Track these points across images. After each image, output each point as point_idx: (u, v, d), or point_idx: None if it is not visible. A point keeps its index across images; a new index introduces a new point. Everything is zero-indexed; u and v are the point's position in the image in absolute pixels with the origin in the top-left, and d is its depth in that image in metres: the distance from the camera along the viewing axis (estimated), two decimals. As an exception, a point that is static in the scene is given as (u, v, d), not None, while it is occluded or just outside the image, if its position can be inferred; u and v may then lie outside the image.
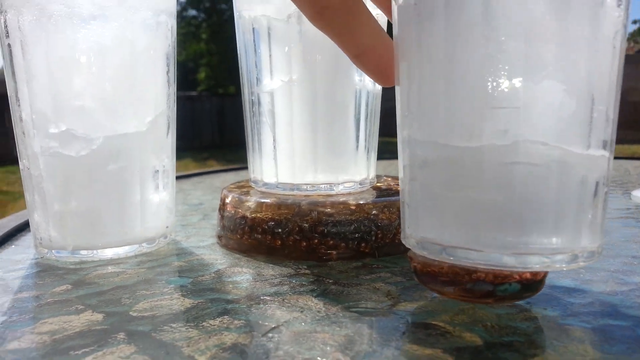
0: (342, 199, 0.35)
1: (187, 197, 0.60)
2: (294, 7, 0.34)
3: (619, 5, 0.22)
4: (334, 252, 0.33)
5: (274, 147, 0.36)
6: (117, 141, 0.34)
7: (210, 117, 8.73)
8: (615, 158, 0.94)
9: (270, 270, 0.31)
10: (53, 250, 0.35)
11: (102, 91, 0.33)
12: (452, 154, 0.23)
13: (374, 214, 0.34)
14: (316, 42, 0.35)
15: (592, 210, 0.23)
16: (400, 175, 0.27)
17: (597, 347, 0.20)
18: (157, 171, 0.37)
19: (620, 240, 0.37)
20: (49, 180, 0.34)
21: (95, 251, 0.35)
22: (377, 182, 0.42)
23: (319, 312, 0.25)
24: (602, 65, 0.22)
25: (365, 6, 0.25)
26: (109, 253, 0.35)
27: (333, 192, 0.36)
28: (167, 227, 0.38)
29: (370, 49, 0.25)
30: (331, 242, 0.33)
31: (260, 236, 0.34)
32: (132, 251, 0.35)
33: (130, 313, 0.25)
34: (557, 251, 0.22)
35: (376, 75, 0.27)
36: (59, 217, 0.34)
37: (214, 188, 0.66)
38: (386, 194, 0.36)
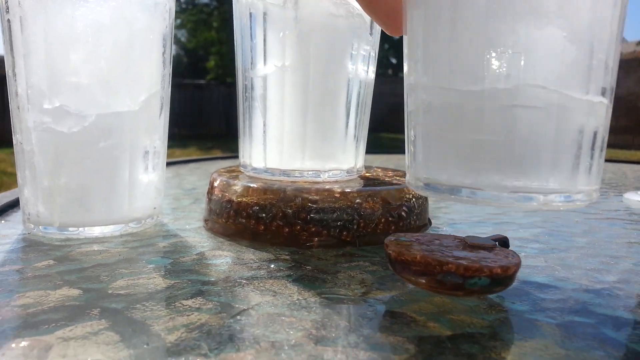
0: (327, 186, 0.35)
1: (181, 182, 0.60)
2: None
3: None
4: (316, 240, 0.33)
5: (264, 131, 0.37)
6: (110, 119, 0.34)
7: (218, 106, 8.73)
8: (616, 162, 0.94)
9: (251, 255, 0.31)
10: (40, 227, 0.35)
11: (98, 69, 0.34)
12: (455, 98, 0.24)
13: (357, 203, 0.34)
14: (311, 29, 0.35)
15: (589, 154, 0.24)
16: (406, 122, 0.27)
17: (558, 343, 0.20)
18: (147, 152, 0.37)
19: (603, 239, 0.37)
20: (40, 155, 0.34)
21: (81, 229, 0.35)
22: (366, 172, 0.42)
23: (291, 296, 0.25)
24: (603, 14, 0.23)
25: None
26: (95, 231, 0.35)
27: (320, 179, 0.36)
28: (154, 208, 0.38)
29: (394, 11, 0.27)
30: (313, 229, 0.33)
31: (244, 220, 0.35)
32: (118, 230, 0.36)
33: (107, 290, 0.25)
34: (554, 191, 0.23)
35: (385, 24, 0.28)
36: (47, 192, 0.35)
37: (209, 174, 0.67)
38: (372, 184, 0.37)
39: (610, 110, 0.25)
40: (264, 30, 0.36)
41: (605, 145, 0.25)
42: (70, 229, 0.35)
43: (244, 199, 0.35)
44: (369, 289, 0.26)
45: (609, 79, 0.24)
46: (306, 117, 0.36)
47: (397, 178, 0.40)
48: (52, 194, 0.34)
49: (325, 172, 0.37)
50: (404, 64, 0.27)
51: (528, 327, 0.22)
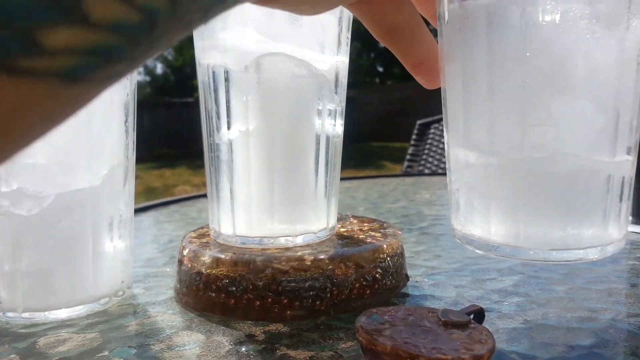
0: (299, 252, 0.34)
1: (159, 232, 0.59)
2: (251, 58, 0.33)
3: None
4: (288, 312, 0.32)
5: (231, 197, 0.36)
6: (70, 197, 0.33)
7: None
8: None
9: (221, 335, 0.30)
10: (4, 312, 0.34)
11: (55, 148, 0.33)
12: (494, 161, 0.26)
13: (329, 269, 0.33)
14: (275, 91, 0.34)
15: (617, 206, 0.26)
16: (448, 174, 0.30)
17: None
18: (112, 222, 0.36)
19: (583, 287, 0.36)
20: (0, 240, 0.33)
21: (46, 313, 0.34)
22: (341, 227, 0.41)
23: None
24: (627, 81, 0.25)
25: (423, 22, 0.27)
26: (60, 314, 0.34)
27: (291, 245, 0.36)
28: (122, 281, 0.37)
29: (426, 60, 0.28)
30: (285, 301, 0.32)
31: (214, 294, 0.34)
32: (84, 311, 0.35)
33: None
34: (589, 245, 0.26)
35: (428, 81, 0.29)
36: (9, 278, 0.33)
37: (189, 220, 0.65)
38: (346, 244, 0.36)
39: (635, 163, 0.27)
40: (227, 94, 0.35)
41: (631, 193, 0.27)
42: (35, 313, 0.34)
43: (213, 271, 0.34)
44: (339, 378, 0.25)
45: (634, 137, 0.26)
46: (273, 181, 0.35)
47: (372, 233, 0.39)
48: (14, 279, 0.33)
49: (296, 236, 0.36)
50: (444, 122, 0.29)
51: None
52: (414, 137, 1.71)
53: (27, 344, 0.30)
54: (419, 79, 0.29)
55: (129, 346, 0.30)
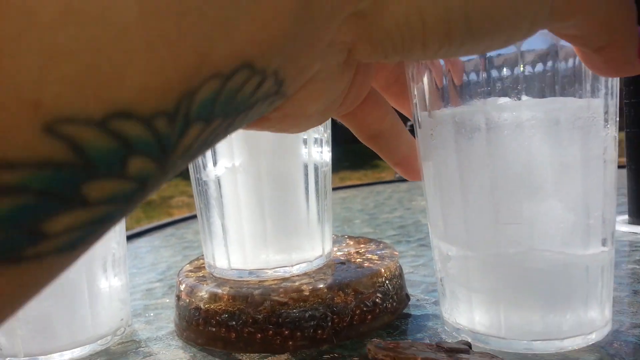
0: (297, 282, 0.34)
1: (156, 260, 0.59)
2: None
3: (605, 126, 0.26)
4: (290, 343, 0.32)
5: (224, 232, 0.35)
6: (61, 241, 0.33)
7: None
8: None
9: (223, 373, 0.30)
10: (6, 358, 0.34)
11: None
12: (472, 256, 0.27)
13: (328, 298, 0.33)
14: None
15: (599, 295, 0.27)
16: (434, 264, 0.31)
17: None
18: (105, 262, 0.36)
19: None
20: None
21: (47, 357, 0.33)
22: (338, 250, 0.41)
23: None
24: (595, 179, 0.26)
25: (403, 126, 0.28)
26: (62, 357, 0.34)
27: (287, 275, 0.35)
28: (121, 319, 0.37)
29: (406, 158, 0.29)
30: (286, 332, 0.32)
31: (214, 329, 0.33)
32: (85, 352, 0.34)
33: None
34: (571, 334, 0.26)
35: (409, 175, 0.30)
36: (7, 325, 0.33)
37: (185, 244, 0.65)
38: (344, 271, 0.36)
39: (613, 252, 0.28)
40: None
41: (611, 279, 0.28)
42: (38, 358, 0.33)
43: (212, 306, 0.34)
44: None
45: (608, 229, 0.27)
46: (264, 214, 0.35)
47: (369, 256, 0.39)
48: (12, 326, 0.33)
49: (292, 266, 0.35)
50: (426, 209, 0.31)
51: None
52: None
53: (29, 393, 0.30)
54: (400, 173, 0.31)
55: (131, 390, 0.29)
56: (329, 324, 0.32)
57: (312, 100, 0.18)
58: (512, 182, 0.26)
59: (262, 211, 0.35)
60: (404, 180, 1.31)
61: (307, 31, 0.13)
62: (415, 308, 0.37)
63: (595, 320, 0.27)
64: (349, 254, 0.40)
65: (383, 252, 0.39)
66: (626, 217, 0.55)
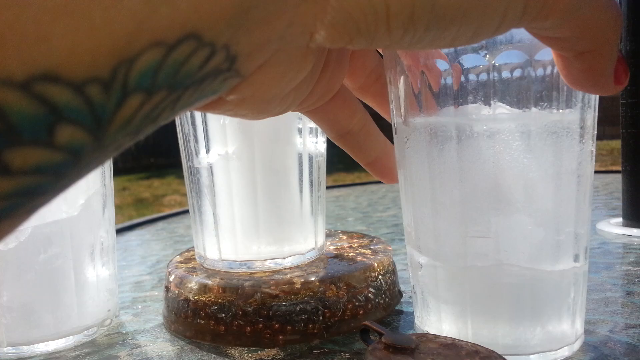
0: (288, 274, 0.33)
1: (146, 253, 0.58)
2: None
3: (581, 141, 0.25)
4: (281, 337, 0.31)
5: (215, 221, 0.35)
6: (47, 229, 0.32)
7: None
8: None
9: (211, 366, 0.30)
10: (-13, 347, 0.33)
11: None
12: (442, 267, 0.27)
13: (320, 292, 0.32)
14: None
15: (569, 309, 0.26)
16: (409, 269, 0.31)
17: None
18: (93, 250, 0.35)
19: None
20: (-22, 275, 0.32)
21: (31, 346, 0.33)
22: (331, 244, 0.40)
23: None
24: (568, 194, 0.25)
25: (375, 126, 0.28)
26: (47, 347, 0.33)
27: (279, 267, 0.35)
28: (108, 310, 0.36)
29: (378, 159, 0.29)
30: (276, 325, 0.31)
31: (203, 321, 0.33)
32: (70, 343, 0.33)
33: None
34: (541, 349, 0.26)
35: (383, 177, 0.30)
36: (-10, 313, 0.32)
37: (177, 238, 0.64)
38: (336, 264, 0.35)
39: (587, 267, 0.27)
40: (204, 117, 0.34)
41: (584, 295, 0.27)
42: (21, 347, 0.33)
43: (201, 298, 0.33)
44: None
45: (581, 244, 0.26)
46: (257, 204, 0.34)
47: (362, 251, 0.38)
48: (-5, 314, 0.32)
49: (284, 258, 0.35)
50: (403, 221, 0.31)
51: None
52: None
53: (10, 383, 0.29)
54: (373, 174, 0.30)
55: (116, 381, 0.29)
56: (320, 318, 0.32)
57: (270, 84, 0.17)
58: (482, 195, 0.25)
59: (254, 200, 0.34)
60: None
61: (260, 5, 0.13)
62: (407, 305, 0.37)
63: (566, 335, 0.26)
64: (342, 248, 0.39)
65: (376, 247, 0.39)
66: (620, 219, 0.55)
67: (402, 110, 0.28)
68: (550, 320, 0.26)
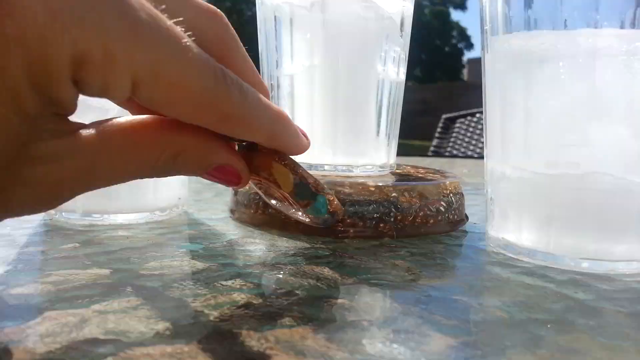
0: (360, 180, 0.34)
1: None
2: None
3: None
4: (351, 230, 0.32)
5: (294, 123, 0.35)
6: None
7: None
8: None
9: (285, 243, 0.30)
10: (63, 212, 0.34)
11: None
12: (529, 176, 0.27)
13: (393, 197, 0.32)
14: (340, 32, 0.34)
15: None
16: (485, 186, 0.32)
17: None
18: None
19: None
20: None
21: (105, 215, 0.34)
22: (397, 169, 0.41)
23: (335, 281, 0.23)
24: None
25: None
26: (119, 218, 0.34)
27: (352, 174, 0.35)
28: (179, 198, 0.37)
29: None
30: (348, 220, 0.32)
31: (274, 211, 0.33)
32: (142, 218, 0.34)
33: (139, 271, 0.24)
34: (620, 258, 0.26)
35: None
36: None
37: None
38: (406, 179, 0.35)
39: None
40: (291, 33, 0.35)
41: None
42: (94, 215, 0.34)
43: (275, 189, 0.33)
44: (417, 276, 0.25)
45: None
46: (337, 115, 0.35)
47: (431, 175, 0.38)
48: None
49: (357, 166, 0.35)
50: (483, 132, 0.32)
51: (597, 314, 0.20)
52: (438, 130, 1.70)
53: (88, 237, 0.30)
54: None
55: (194, 242, 0.29)
56: (392, 219, 0.32)
57: None
58: (579, 105, 0.26)
59: (335, 111, 0.35)
60: (440, 156, 1.30)
61: None
62: (472, 227, 0.37)
63: None
64: (410, 172, 0.40)
65: (446, 174, 0.39)
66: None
67: (498, 27, 0.29)
68: (635, 232, 0.26)
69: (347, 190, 0.32)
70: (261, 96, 0.19)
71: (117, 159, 0.17)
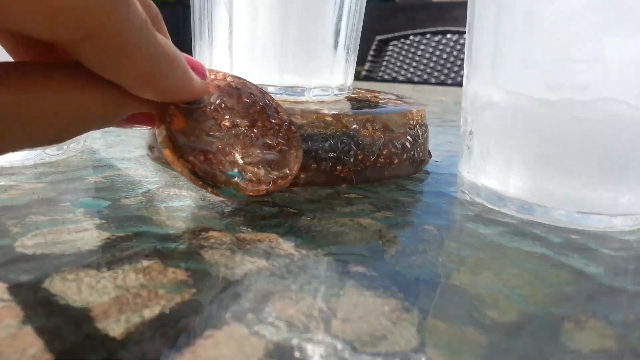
0: (313, 107, 0.27)
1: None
2: None
3: None
4: (302, 175, 0.26)
5: (230, 32, 0.28)
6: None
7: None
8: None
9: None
10: None
11: None
12: (523, 103, 0.22)
13: (354, 129, 0.26)
14: None
15: None
16: (461, 113, 0.26)
17: None
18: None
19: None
20: None
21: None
22: (352, 94, 0.34)
23: (291, 259, 0.18)
24: None
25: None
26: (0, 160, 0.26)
27: (303, 99, 0.28)
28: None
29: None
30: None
31: (205, 149, 0.26)
32: (30, 159, 0.27)
33: (14, 249, 0.17)
34: (623, 212, 0.21)
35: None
36: None
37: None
38: (367, 106, 0.29)
39: None
40: None
41: None
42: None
43: (205, 121, 0.26)
44: (391, 243, 0.19)
45: None
46: (287, 20, 0.27)
47: (392, 100, 0.32)
48: None
49: (310, 89, 0.29)
50: (465, 59, 0.26)
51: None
52: (371, 53, 1.62)
53: (-49, 190, 0.22)
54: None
55: (97, 197, 0.22)
56: (352, 160, 0.26)
57: None
58: (593, 11, 0.20)
59: (285, 16, 0.27)
60: (370, 80, 1.24)
61: None
62: (435, 168, 0.32)
63: None
64: (367, 97, 0.33)
65: (408, 100, 0.33)
66: None
67: None
68: None
69: (297, 120, 0.26)
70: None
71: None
